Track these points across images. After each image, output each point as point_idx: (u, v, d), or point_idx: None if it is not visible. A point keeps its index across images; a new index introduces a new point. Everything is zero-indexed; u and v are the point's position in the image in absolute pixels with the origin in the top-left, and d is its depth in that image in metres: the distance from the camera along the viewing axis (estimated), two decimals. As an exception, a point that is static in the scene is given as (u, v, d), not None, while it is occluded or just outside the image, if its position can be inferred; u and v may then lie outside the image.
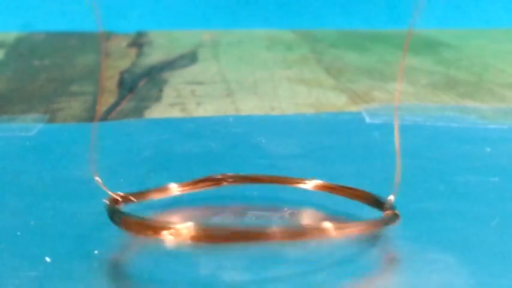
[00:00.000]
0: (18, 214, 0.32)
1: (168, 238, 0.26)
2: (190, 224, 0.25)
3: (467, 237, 0.30)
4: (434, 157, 0.40)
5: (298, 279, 0.26)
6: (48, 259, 0.27)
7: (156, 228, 0.26)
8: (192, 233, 0.25)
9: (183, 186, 0.33)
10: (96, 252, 0.28)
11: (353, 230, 0.27)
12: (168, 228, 0.25)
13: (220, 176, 0.34)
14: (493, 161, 0.39)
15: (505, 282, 0.26)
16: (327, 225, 0.26)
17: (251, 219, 0.31)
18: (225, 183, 0.34)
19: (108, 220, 0.29)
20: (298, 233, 0.26)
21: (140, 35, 0.88)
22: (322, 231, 0.26)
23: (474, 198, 0.34)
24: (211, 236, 0.25)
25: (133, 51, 0.78)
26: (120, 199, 0.30)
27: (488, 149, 0.41)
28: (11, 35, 0.87)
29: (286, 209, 0.32)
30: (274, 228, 0.25)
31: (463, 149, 0.42)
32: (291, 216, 0.32)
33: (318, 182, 0.33)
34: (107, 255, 0.28)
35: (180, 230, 0.25)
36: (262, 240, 0.25)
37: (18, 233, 0.30)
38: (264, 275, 0.26)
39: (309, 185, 0.33)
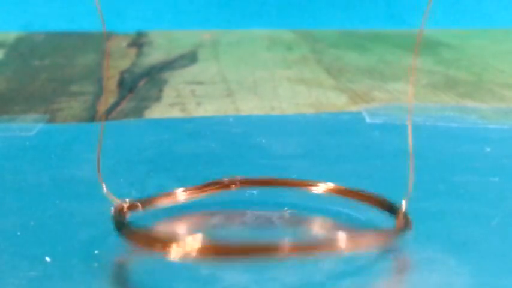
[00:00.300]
0: (18, 214, 0.32)
1: (176, 253, 0.25)
2: (198, 239, 0.25)
3: (467, 237, 0.30)
4: (434, 157, 0.40)
5: (298, 279, 0.26)
6: (48, 259, 0.27)
7: (164, 244, 0.26)
8: (201, 248, 0.25)
9: (190, 190, 0.33)
10: (96, 252, 0.28)
11: (367, 243, 0.27)
12: (177, 244, 0.25)
13: (228, 180, 0.33)
14: (493, 161, 0.40)
15: (505, 282, 0.26)
16: (340, 238, 0.26)
17: (252, 220, 0.31)
18: (233, 186, 0.33)
19: (108, 220, 0.29)
20: (309, 248, 0.26)
21: (140, 35, 0.88)
22: (334, 245, 0.26)
23: (474, 198, 0.34)
24: (219, 251, 0.25)
25: (133, 51, 0.78)
26: (126, 207, 0.30)
27: (488, 149, 0.41)
28: (11, 35, 0.87)
29: (286, 209, 0.32)
30: (285, 242, 0.25)
31: (463, 149, 0.42)
32: (291, 216, 0.32)
33: (330, 185, 0.32)
34: (107, 255, 0.28)
35: (188, 245, 0.25)
36: (272, 255, 0.25)
37: (18, 233, 0.30)
38: (265, 276, 0.26)
39: (321, 188, 0.33)
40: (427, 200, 0.33)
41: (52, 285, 0.26)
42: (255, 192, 0.34)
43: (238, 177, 0.34)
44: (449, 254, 0.28)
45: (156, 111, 0.52)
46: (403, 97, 0.55)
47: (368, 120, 0.49)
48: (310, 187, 0.33)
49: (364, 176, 0.37)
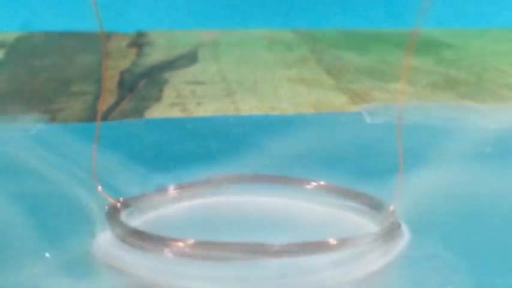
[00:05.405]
0: (18, 213, 0.32)
1: (168, 254, 0.26)
2: (188, 242, 0.25)
3: (467, 236, 0.30)
4: (434, 157, 0.40)
5: (296, 276, 0.26)
6: (47, 255, 0.27)
7: (156, 245, 0.26)
8: (192, 251, 0.25)
9: (182, 188, 0.33)
10: (95, 248, 0.28)
11: (356, 246, 0.27)
12: (169, 246, 0.26)
13: (220, 177, 0.34)
14: (493, 161, 0.40)
15: (505, 281, 0.26)
16: (330, 241, 0.26)
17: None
18: (225, 184, 0.34)
19: (108, 217, 0.29)
20: (300, 250, 0.26)
21: (140, 35, 0.88)
22: (324, 247, 0.26)
23: (474, 198, 0.34)
24: (209, 254, 0.25)
25: (133, 51, 0.78)
26: (119, 206, 0.30)
27: (488, 149, 0.41)
28: (11, 35, 0.87)
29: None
30: (276, 244, 0.25)
31: (463, 149, 0.42)
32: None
33: (321, 183, 0.33)
34: (107, 252, 0.28)
35: (180, 247, 0.25)
36: (263, 257, 0.25)
37: (18, 230, 0.30)
38: (262, 270, 0.26)
39: (311, 185, 0.33)
40: (427, 199, 0.33)
41: (52, 281, 0.26)
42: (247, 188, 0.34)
43: (230, 174, 0.34)
44: (449, 252, 0.28)
45: (156, 111, 0.52)
46: (403, 97, 0.55)
47: (368, 120, 0.49)
48: (301, 185, 0.33)
49: (364, 175, 0.37)
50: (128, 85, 0.61)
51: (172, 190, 0.33)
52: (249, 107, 0.53)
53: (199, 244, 0.25)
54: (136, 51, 0.78)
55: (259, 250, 0.25)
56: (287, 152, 0.41)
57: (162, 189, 0.33)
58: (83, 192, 0.34)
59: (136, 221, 0.30)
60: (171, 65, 0.70)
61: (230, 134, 0.46)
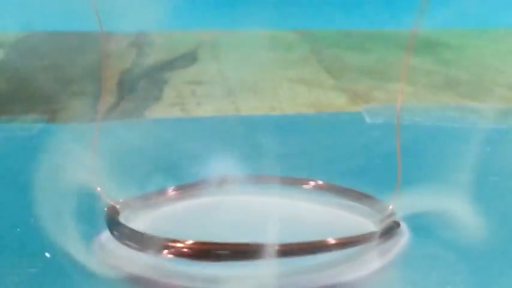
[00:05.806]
0: (18, 212, 0.32)
1: (167, 255, 0.26)
2: (189, 243, 0.25)
3: (467, 236, 0.30)
4: (435, 157, 0.40)
5: (296, 275, 0.26)
6: (47, 255, 0.27)
7: (155, 246, 0.26)
8: (191, 251, 0.25)
9: (182, 188, 0.33)
10: (95, 247, 0.28)
11: (355, 244, 0.27)
12: (168, 247, 0.26)
13: (220, 177, 0.34)
14: (493, 161, 0.40)
15: (504, 280, 0.26)
16: (330, 241, 0.26)
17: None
18: (225, 184, 0.34)
19: (107, 218, 0.29)
20: (300, 249, 0.26)
21: (140, 35, 0.88)
22: (324, 246, 0.26)
23: (474, 197, 0.34)
24: (208, 255, 0.25)
25: (133, 51, 0.78)
26: (119, 206, 0.30)
27: (488, 149, 0.41)
28: (11, 35, 0.87)
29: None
30: (276, 244, 0.25)
31: (463, 149, 0.42)
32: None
33: (321, 183, 0.33)
34: (107, 252, 0.28)
35: (179, 248, 0.25)
36: (263, 257, 0.25)
37: (18, 229, 0.30)
38: (261, 270, 0.26)
39: (311, 185, 0.33)
40: (427, 198, 0.33)
41: (51, 281, 0.26)
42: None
43: (230, 174, 0.34)
44: (449, 252, 0.28)
45: (156, 111, 0.52)
46: (403, 97, 0.55)
47: (368, 120, 0.49)
48: (301, 185, 0.33)
49: (364, 175, 0.37)
50: (127, 85, 0.61)
51: (172, 190, 0.33)
52: (249, 107, 0.53)
53: (197, 244, 0.25)
54: (136, 51, 0.78)
55: (258, 250, 0.25)
56: (287, 152, 0.41)
57: (161, 190, 0.33)
58: (83, 193, 0.34)
59: (136, 221, 0.30)
60: (171, 65, 0.70)
61: (230, 134, 0.46)
